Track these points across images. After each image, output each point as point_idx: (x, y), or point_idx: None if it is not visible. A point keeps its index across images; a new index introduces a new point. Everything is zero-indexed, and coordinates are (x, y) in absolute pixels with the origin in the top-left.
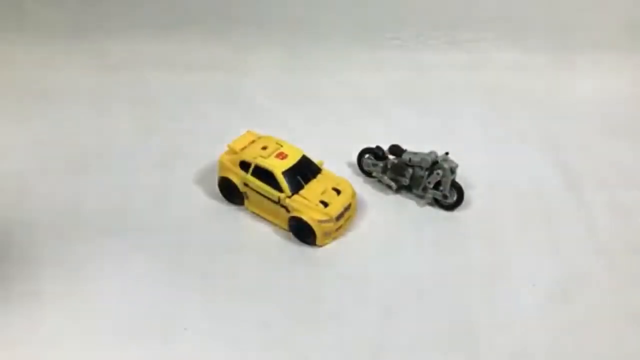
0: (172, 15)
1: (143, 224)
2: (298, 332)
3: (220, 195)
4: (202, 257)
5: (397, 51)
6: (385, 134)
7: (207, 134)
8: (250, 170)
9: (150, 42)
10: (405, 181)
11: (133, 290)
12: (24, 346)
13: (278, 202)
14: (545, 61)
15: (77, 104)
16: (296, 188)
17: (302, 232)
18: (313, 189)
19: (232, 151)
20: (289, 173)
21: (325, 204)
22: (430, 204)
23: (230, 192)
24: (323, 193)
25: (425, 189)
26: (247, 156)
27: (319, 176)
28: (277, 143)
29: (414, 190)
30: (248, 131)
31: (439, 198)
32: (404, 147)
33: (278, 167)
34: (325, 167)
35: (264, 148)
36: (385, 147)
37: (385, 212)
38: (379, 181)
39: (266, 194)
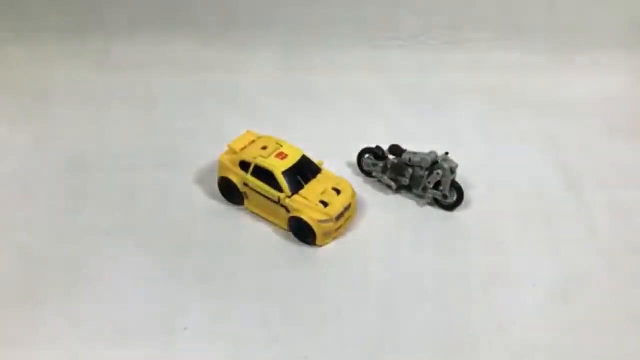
0: (172, 15)
1: (143, 224)
2: (298, 332)
3: (220, 195)
4: (202, 257)
5: (397, 51)
6: (385, 134)
7: (207, 134)
8: (250, 170)
9: (151, 42)
10: (405, 181)
11: (133, 290)
12: (24, 346)
13: (278, 202)
14: (545, 61)
15: (77, 104)
16: (296, 188)
17: (302, 232)
18: (313, 189)
19: (232, 151)
20: (289, 173)
21: (325, 204)
22: (430, 204)
23: (230, 192)
24: (323, 193)
25: (425, 189)
26: (247, 156)
27: (319, 176)
28: (277, 143)
29: (414, 190)
30: (248, 131)
31: (439, 198)
32: (404, 147)
33: (278, 167)
34: (325, 167)
35: (264, 148)
36: (385, 147)
37: (385, 212)
38: (379, 181)
39: (266, 194)
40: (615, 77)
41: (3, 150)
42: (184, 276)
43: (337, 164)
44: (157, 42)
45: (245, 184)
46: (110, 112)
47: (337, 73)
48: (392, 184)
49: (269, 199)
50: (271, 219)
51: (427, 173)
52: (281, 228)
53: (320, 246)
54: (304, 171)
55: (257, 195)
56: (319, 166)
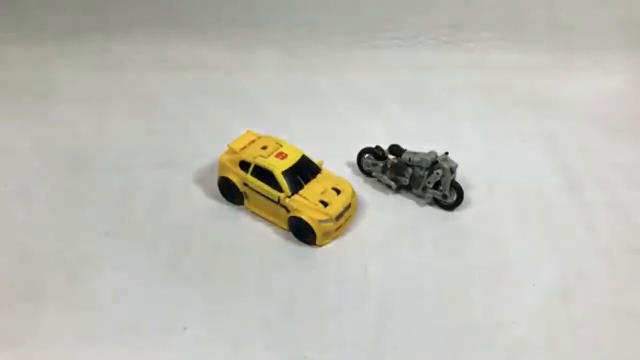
0: (172, 15)
1: (143, 224)
2: (298, 332)
3: (220, 195)
4: (202, 257)
5: (397, 51)
6: (385, 134)
7: (207, 134)
8: (250, 170)
9: (150, 42)
10: (405, 181)
11: (133, 290)
12: (24, 346)
13: (278, 202)
14: (545, 61)
15: (77, 104)
16: (296, 188)
17: (302, 232)
18: (313, 189)
19: (232, 151)
20: (289, 173)
21: (325, 204)
22: (430, 204)
23: (230, 192)
24: (323, 193)
25: (425, 189)
26: (247, 156)
27: (319, 176)
28: (277, 143)
29: (414, 190)
30: (248, 131)
31: (439, 198)
32: (404, 147)
33: (278, 167)
34: (325, 167)
35: (264, 148)
36: (385, 147)
37: (385, 212)
38: (379, 181)
39: (266, 194)
40: (615, 77)
41: (3, 150)
42: (184, 276)
43: (337, 164)
44: (157, 42)
45: (245, 184)
46: (110, 112)
47: (337, 73)
48: (392, 184)
49: (269, 199)
50: (271, 219)
51: (427, 173)
52: (281, 228)
53: (320, 246)
54: (304, 171)
55: (257, 195)
56: (319, 166)
